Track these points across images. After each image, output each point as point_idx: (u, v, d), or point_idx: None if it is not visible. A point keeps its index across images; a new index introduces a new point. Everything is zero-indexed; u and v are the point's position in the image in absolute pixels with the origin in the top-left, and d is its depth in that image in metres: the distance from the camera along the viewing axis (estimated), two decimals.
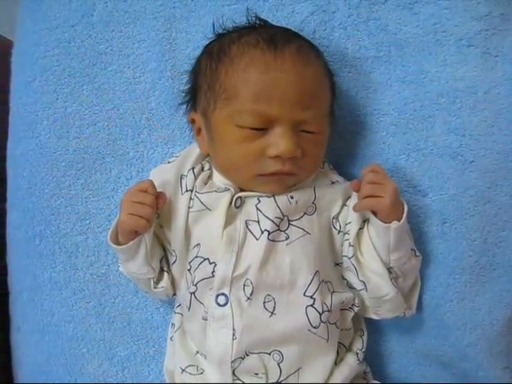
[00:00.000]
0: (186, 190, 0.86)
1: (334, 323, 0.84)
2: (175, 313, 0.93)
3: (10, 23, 1.02)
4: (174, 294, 0.92)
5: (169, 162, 0.91)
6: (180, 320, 0.91)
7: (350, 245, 0.85)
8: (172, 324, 0.93)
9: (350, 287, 0.88)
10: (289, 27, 0.90)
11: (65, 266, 0.97)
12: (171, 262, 0.89)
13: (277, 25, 0.89)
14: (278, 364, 0.81)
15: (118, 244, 0.85)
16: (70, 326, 0.98)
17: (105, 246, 0.95)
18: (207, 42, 0.89)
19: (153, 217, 0.82)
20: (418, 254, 0.88)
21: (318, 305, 0.81)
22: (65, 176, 0.96)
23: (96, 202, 0.97)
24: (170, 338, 0.93)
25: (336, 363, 0.85)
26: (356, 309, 0.88)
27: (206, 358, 0.84)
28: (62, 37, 0.96)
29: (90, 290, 0.97)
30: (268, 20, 0.89)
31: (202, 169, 0.89)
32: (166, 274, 0.89)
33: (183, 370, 0.86)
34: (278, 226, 0.82)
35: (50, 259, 0.97)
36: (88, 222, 0.97)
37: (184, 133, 0.96)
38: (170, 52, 0.95)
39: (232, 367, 0.80)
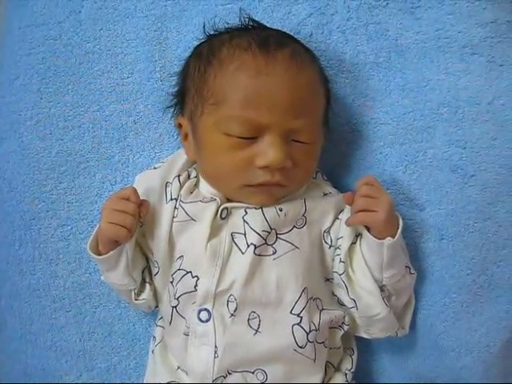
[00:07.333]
0: (171, 199, 0.82)
1: (322, 342, 0.81)
2: (157, 325, 0.90)
3: None
4: (157, 306, 0.89)
5: (155, 168, 0.87)
6: (161, 333, 0.88)
7: (340, 261, 0.81)
8: (153, 337, 0.90)
9: (341, 304, 0.85)
10: (284, 29, 0.87)
11: (44, 272, 0.94)
12: (154, 273, 0.85)
13: (271, 27, 0.86)
14: (262, 383, 0.78)
15: (99, 253, 0.81)
16: (49, 335, 0.95)
17: (87, 254, 0.89)
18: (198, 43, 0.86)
19: (134, 226, 0.79)
20: (412, 271, 0.85)
21: (305, 323, 0.78)
22: (47, 179, 0.93)
23: (79, 207, 0.93)
24: (152, 352, 0.89)
25: (323, 383, 0.82)
26: (346, 327, 0.85)
27: (187, 374, 0.81)
28: (47, 34, 0.92)
29: (71, 298, 0.94)
30: (263, 21, 0.86)
31: (189, 176, 0.85)
32: (148, 285, 0.86)
33: None
34: (265, 240, 0.78)
35: (29, 265, 0.94)
36: (70, 227, 0.94)
37: (172, 137, 0.93)
38: (159, 52, 0.92)
39: None
